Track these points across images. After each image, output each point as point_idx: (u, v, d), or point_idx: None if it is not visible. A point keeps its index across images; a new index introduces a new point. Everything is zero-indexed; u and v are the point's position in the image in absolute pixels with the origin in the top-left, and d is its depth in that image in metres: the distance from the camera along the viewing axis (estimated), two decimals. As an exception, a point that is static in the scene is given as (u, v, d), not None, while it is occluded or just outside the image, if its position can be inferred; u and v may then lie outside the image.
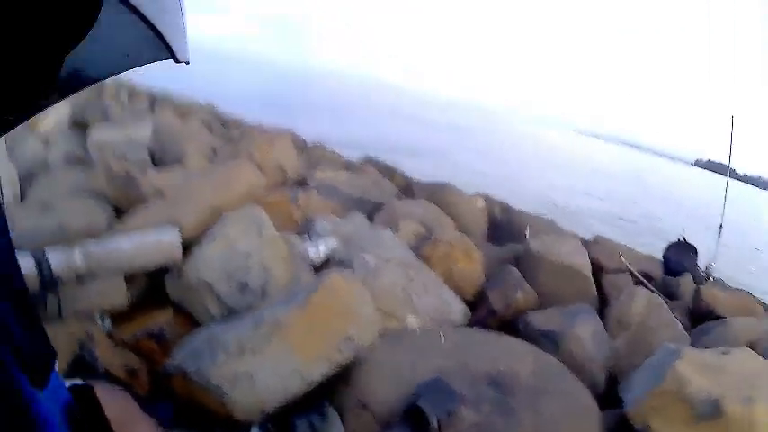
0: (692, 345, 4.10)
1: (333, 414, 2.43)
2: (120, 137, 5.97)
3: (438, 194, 6.55)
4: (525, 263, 4.90)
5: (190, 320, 3.06)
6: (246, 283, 2.97)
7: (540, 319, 3.90)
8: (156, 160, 5.72)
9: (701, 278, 6.57)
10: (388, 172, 8.02)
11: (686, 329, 4.56)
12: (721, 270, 7.96)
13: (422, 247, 4.56)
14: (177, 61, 0.79)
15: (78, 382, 0.65)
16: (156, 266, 2.99)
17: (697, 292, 5.49)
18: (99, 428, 0.63)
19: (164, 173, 4.67)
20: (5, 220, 0.57)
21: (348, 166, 8.20)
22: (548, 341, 3.63)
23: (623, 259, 6.03)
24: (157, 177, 4.23)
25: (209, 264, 2.98)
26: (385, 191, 6.55)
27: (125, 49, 0.75)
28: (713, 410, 2.73)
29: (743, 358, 3.20)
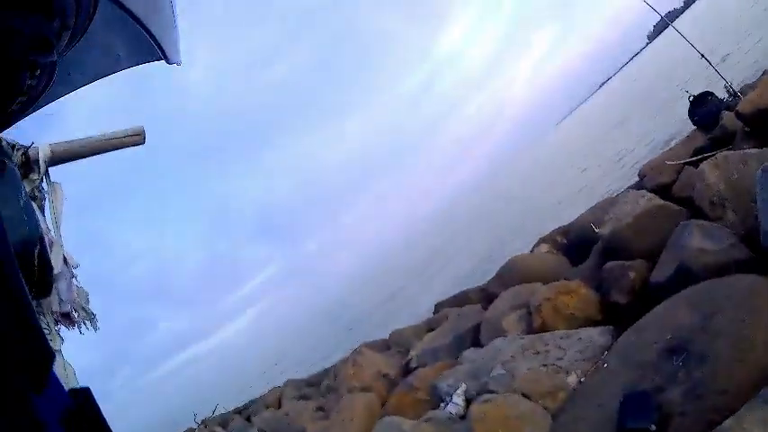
0: None
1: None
2: None
3: (507, 275, 6.61)
4: (614, 243, 4.77)
5: None
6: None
7: (660, 273, 3.73)
8: None
9: (733, 104, 6.18)
10: (460, 300, 8.06)
11: (764, 144, 4.35)
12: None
13: (533, 323, 4.56)
14: (169, 63, 0.84)
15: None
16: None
17: (738, 113, 5.19)
18: (97, 430, 0.64)
19: None
20: (3, 230, 0.58)
21: (430, 323, 8.27)
22: (681, 279, 3.38)
23: (670, 163, 5.90)
24: None
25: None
26: (467, 316, 6.59)
27: (117, 51, 0.81)
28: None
29: None
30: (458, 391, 3.62)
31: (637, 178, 7.14)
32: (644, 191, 5.14)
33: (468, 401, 3.57)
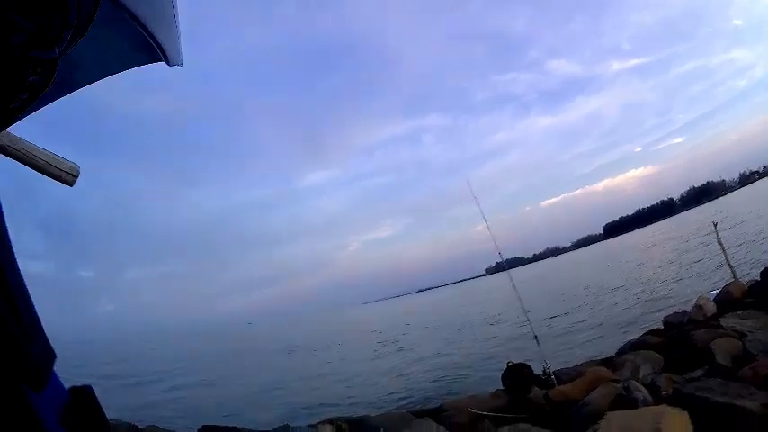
0: None
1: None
2: None
3: None
4: None
5: None
6: None
7: None
8: None
9: (544, 381, 7.37)
10: None
11: (560, 429, 5.29)
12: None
13: None
14: (170, 64, 0.80)
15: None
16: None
17: (546, 397, 6.38)
18: (97, 428, 0.64)
19: None
20: (4, 230, 0.57)
21: None
22: None
23: (472, 410, 6.78)
24: None
25: None
26: None
27: (118, 52, 0.78)
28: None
29: (607, 427, 4.06)
30: None
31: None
32: (442, 427, 5.99)
33: None
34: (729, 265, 10.45)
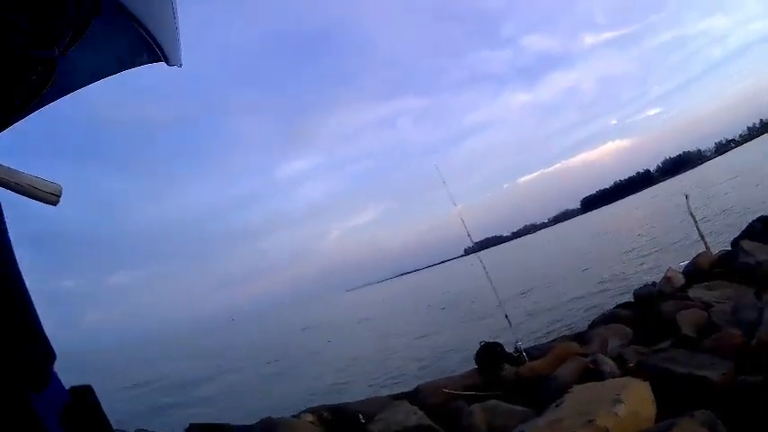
0: (540, 412, 4.68)
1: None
2: None
3: None
4: None
5: None
6: None
7: None
8: None
9: (516, 359, 7.50)
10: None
11: (528, 404, 5.30)
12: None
13: None
14: (170, 64, 0.83)
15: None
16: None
17: (517, 374, 6.52)
18: (97, 427, 0.64)
19: None
20: (4, 222, 0.58)
21: None
22: None
23: (446, 391, 6.90)
24: None
25: None
26: None
27: (118, 52, 0.80)
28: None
29: (571, 399, 4.11)
30: None
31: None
32: (416, 408, 6.01)
33: None
34: (701, 235, 10.65)
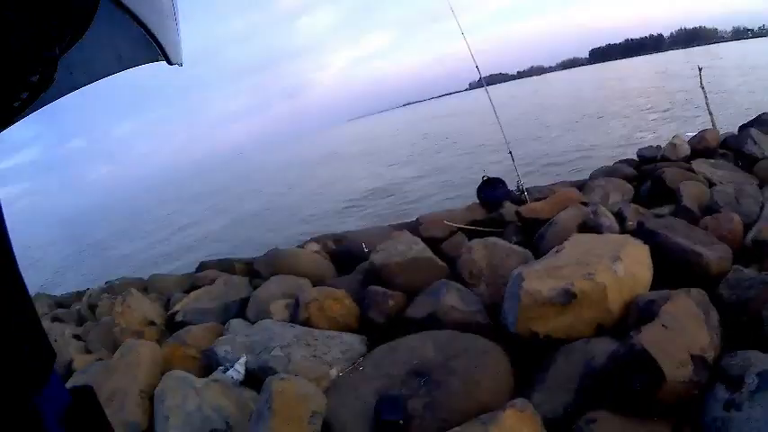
0: (536, 255, 4.94)
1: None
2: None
3: (275, 261, 6.97)
4: (382, 272, 5.48)
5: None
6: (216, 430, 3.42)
7: (415, 311, 4.54)
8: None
9: (517, 198, 7.69)
10: (225, 266, 8.22)
11: (527, 245, 5.47)
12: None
13: (299, 315, 4.97)
14: (170, 63, 0.83)
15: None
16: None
17: (518, 213, 6.61)
18: (98, 428, 0.64)
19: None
20: (4, 222, 0.58)
21: (180, 282, 8.24)
22: (431, 322, 4.25)
23: (447, 223, 7.10)
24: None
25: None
26: (237, 285, 6.85)
27: (118, 51, 0.79)
28: (568, 296, 3.50)
29: (570, 247, 4.11)
30: (240, 361, 4.10)
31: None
32: (418, 239, 6.20)
33: (248, 371, 4.11)
34: (709, 111, 10.24)
